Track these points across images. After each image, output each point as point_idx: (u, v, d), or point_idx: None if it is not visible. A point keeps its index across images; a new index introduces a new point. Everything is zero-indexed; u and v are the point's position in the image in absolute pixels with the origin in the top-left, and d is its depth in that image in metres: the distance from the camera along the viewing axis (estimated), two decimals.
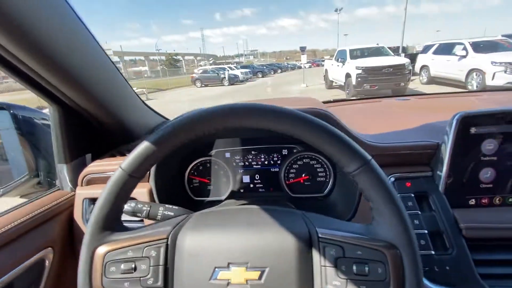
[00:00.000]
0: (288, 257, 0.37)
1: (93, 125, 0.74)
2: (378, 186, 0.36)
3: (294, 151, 0.80)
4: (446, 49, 9.30)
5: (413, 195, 0.57)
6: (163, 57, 60.06)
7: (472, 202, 0.56)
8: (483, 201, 0.56)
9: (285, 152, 0.80)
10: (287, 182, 0.81)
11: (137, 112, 0.83)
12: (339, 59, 10.98)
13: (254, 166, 0.83)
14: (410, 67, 8.87)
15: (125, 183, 0.40)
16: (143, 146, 0.40)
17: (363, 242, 0.36)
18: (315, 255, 0.37)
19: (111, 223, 0.41)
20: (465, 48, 8.51)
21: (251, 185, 0.84)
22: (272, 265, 0.37)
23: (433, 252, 0.51)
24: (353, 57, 10.48)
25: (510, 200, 0.56)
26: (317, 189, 0.79)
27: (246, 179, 0.84)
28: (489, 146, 0.54)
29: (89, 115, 0.69)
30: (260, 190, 0.83)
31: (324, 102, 1.05)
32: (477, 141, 0.54)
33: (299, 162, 0.80)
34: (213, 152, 0.83)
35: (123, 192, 0.40)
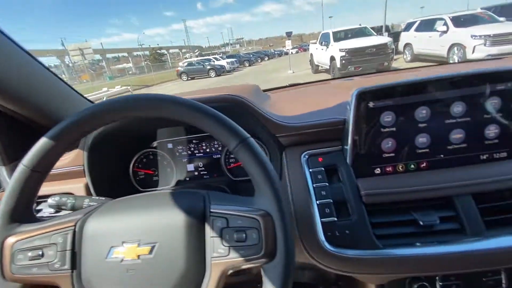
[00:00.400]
0: (178, 232, 0.40)
1: (27, 124, 0.75)
2: (255, 162, 0.40)
3: None
4: (427, 25, 9.31)
5: (323, 168, 0.62)
6: (147, 52, 58.61)
7: (378, 171, 0.61)
8: (388, 169, 0.61)
9: None
10: (228, 167, 0.85)
11: (68, 103, 0.82)
12: (323, 43, 10.92)
13: (197, 155, 0.86)
14: (393, 46, 8.90)
15: (27, 179, 0.42)
16: (43, 140, 0.42)
17: (244, 213, 0.40)
18: (207, 228, 0.41)
19: (20, 216, 0.43)
20: (445, 24, 8.53)
21: (196, 173, 0.87)
22: (162, 240, 0.40)
23: (335, 219, 0.56)
24: (337, 39, 10.42)
25: (412, 166, 0.60)
26: None
27: (190, 167, 0.87)
28: (387, 118, 0.58)
29: (19, 115, 0.70)
30: (204, 177, 0.87)
31: (264, 90, 1.08)
32: (376, 114, 0.58)
33: None
34: (155, 143, 0.86)
35: (27, 187, 0.43)
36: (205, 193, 0.46)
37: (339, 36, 10.70)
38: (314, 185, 0.60)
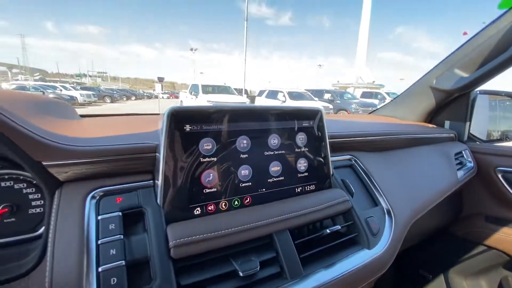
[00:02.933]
0: None
1: None
2: None
3: None
4: (273, 94, 11.98)
5: (120, 214, 0.43)
6: None
7: (198, 211, 0.49)
8: (209, 208, 0.50)
9: None
10: None
11: None
12: (193, 92, 11.67)
13: None
14: None
15: None
16: None
17: None
18: None
19: None
20: (284, 95, 11.28)
21: None
22: None
23: None
24: (205, 92, 11.44)
25: (236, 203, 0.52)
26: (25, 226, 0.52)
27: None
28: (207, 146, 0.49)
29: None
30: None
31: (82, 116, 0.82)
32: (194, 140, 0.48)
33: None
34: None
35: None
36: None
37: (208, 89, 11.85)
38: (99, 241, 0.39)
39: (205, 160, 0.49)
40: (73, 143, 0.43)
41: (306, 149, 0.62)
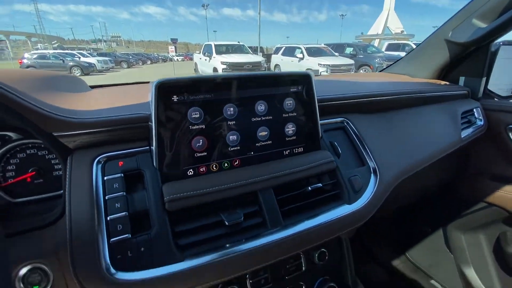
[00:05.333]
0: None
1: None
2: None
3: (6, 138, 0.59)
4: (290, 51, 11.32)
5: (122, 175, 0.50)
6: None
7: (191, 172, 0.55)
8: (201, 169, 0.56)
9: None
10: (2, 184, 0.59)
11: None
12: (206, 53, 11.25)
13: None
14: (266, 65, 10.27)
15: None
16: None
17: None
18: None
19: None
20: (302, 52, 10.64)
21: None
22: None
23: (129, 236, 0.46)
24: (218, 52, 10.99)
25: (225, 165, 0.58)
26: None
27: None
28: (195, 114, 0.54)
29: None
30: None
31: (92, 87, 0.88)
32: (182, 110, 0.53)
33: (20, 155, 0.60)
34: None
35: None
36: None
37: (221, 49, 11.34)
38: (106, 196, 0.47)
39: (194, 127, 0.54)
40: (76, 116, 0.50)
41: (294, 113, 0.64)
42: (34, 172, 0.60)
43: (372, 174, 0.70)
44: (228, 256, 0.49)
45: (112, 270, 0.43)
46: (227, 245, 0.51)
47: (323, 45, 12.05)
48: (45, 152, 0.61)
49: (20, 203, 0.59)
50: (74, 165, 0.49)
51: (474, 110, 1.13)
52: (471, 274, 1.31)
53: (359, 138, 0.75)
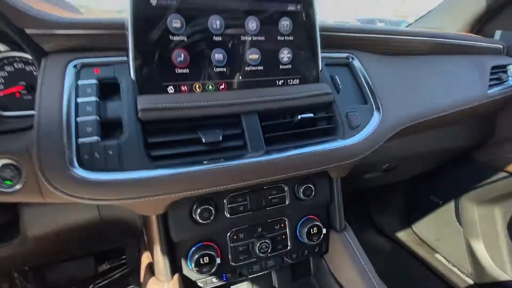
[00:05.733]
0: None
1: None
2: None
3: None
4: None
5: (97, 81, 0.48)
6: None
7: (171, 90, 0.52)
8: (183, 88, 0.52)
9: None
10: None
11: None
12: None
13: None
14: None
15: None
16: None
17: None
18: None
19: None
20: None
21: None
22: None
23: (98, 139, 0.44)
24: None
25: (210, 87, 0.54)
26: None
27: None
28: (175, 23, 0.49)
29: None
30: None
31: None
32: (161, 15, 0.48)
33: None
34: None
35: None
36: None
37: None
38: (78, 99, 0.45)
39: (174, 38, 0.49)
40: (49, 16, 0.47)
41: (291, 37, 0.58)
42: (22, 87, 0.59)
43: (374, 112, 0.63)
44: (203, 170, 0.47)
45: (78, 168, 0.41)
46: (204, 162, 0.48)
47: None
48: (33, 68, 0.60)
49: (8, 117, 0.59)
50: (48, 67, 0.47)
51: (508, 67, 0.99)
52: (480, 249, 1.24)
53: (365, 77, 0.68)
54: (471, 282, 1.28)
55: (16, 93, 0.60)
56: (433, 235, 1.46)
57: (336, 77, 0.63)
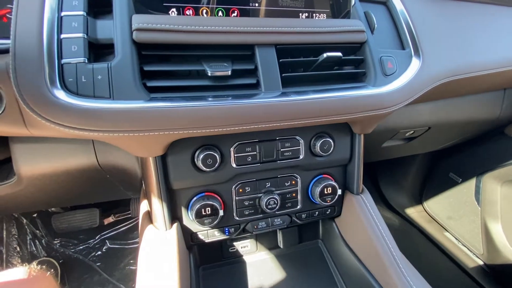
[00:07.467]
0: None
1: None
2: None
3: None
4: None
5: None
6: None
7: (174, 13, 0.43)
8: (187, 12, 0.44)
9: None
10: None
11: None
12: None
13: None
14: None
15: None
16: None
17: None
18: None
19: None
20: None
21: None
22: None
23: (85, 60, 0.37)
24: None
25: (220, 13, 0.46)
26: None
27: None
28: None
29: None
30: None
31: None
32: None
33: None
34: None
35: None
36: None
37: None
38: (62, 13, 0.38)
39: None
40: None
41: None
42: (10, 10, 0.52)
43: (413, 58, 0.53)
44: (206, 106, 0.40)
45: (60, 90, 0.35)
46: (209, 99, 0.41)
47: None
48: None
49: None
50: None
51: None
52: (497, 230, 1.17)
53: (405, 18, 0.57)
54: (480, 262, 1.24)
55: (3, 17, 0.53)
56: (446, 213, 1.40)
57: (372, 14, 0.53)
